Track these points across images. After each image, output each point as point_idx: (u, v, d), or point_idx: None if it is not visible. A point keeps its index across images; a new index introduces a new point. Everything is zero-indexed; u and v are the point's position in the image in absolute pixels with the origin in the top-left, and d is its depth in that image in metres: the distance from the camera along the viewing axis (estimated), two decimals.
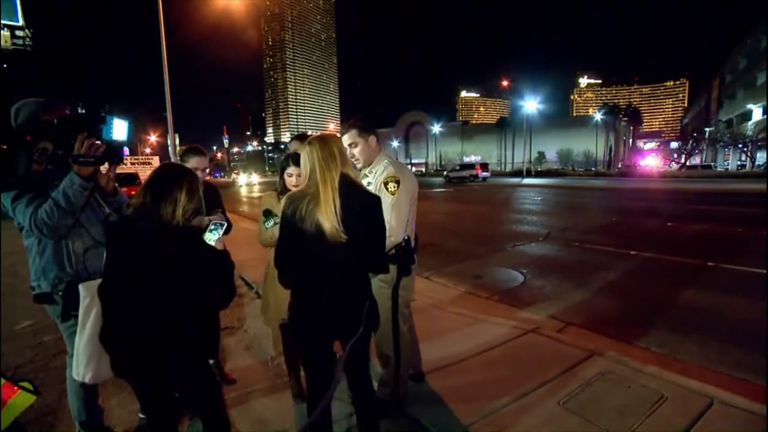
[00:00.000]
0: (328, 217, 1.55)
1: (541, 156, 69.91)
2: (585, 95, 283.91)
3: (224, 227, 1.72)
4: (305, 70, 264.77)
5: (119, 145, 1.96)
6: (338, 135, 1.95)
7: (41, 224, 1.72)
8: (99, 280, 1.60)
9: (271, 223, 2.35)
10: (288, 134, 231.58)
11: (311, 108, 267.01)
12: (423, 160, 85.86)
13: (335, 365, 1.71)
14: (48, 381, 2.84)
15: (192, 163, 2.64)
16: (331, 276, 1.65)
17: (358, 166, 2.28)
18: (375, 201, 1.71)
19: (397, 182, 2.08)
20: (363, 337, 1.72)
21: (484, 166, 39.28)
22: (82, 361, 1.71)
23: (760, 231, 7.92)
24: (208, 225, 1.72)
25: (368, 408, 1.84)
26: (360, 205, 1.64)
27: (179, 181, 1.55)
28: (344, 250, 1.60)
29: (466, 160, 65.84)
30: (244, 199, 24.41)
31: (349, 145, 2.21)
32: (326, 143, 1.67)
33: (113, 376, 1.64)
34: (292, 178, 2.40)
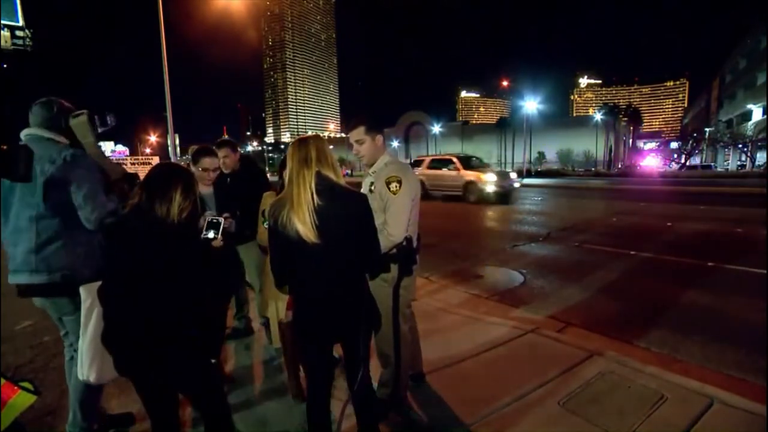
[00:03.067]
0: (300, 220, 1.53)
1: (541, 156, 69.91)
2: (585, 95, 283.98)
3: (220, 225, 1.71)
4: (305, 70, 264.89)
5: None
6: (323, 135, 1.93)
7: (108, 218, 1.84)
8: (99, 282, 1.60)
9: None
10: (288, 134, 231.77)
11: (311, 108, 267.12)
12: None
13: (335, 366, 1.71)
14: (48, 381, 2.84)
15: (204, 164, 2.63)
16: (321, 279, 1.63)
17: (363, 162, 2.27)
18: (359, 201, 1.67)
19: (399, 182, 2.08)
20: (362, 338, 1.72)
21: None
22: (86, 362, 1.72)
23: (760, 231, 7.92)
24: (204, 224, 1.71)
25: (368, 408, 1.83)
26: (340, 206, 1.60)
27: (175, 180, 1.55)
28: (331, 252, 1.58)
29: None
30: None
31: (356, 141, 2.20)
32: (304, 144, 1.64)
33: (117, 376, 1.64)
34: None
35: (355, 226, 1.64)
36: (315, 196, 1.55)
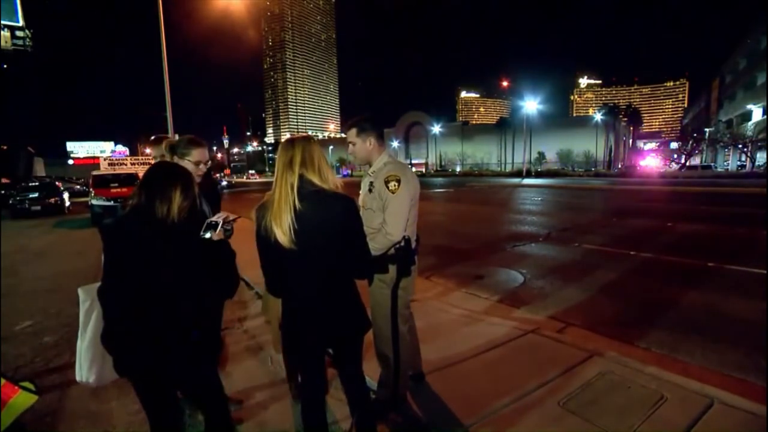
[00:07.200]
0: (278, 225, 1.51)
1: (541, 156, 69.89)
2: (585, 95, 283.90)
3: (218, 226, 1.71)
4: (305, 70, 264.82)
5: None
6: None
7: None
8: (98, 284, 1.60)
9: None
10: (288, 134, 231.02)
11: (311, 108, 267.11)
12: (423, 161, 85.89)
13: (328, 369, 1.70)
14: (48, 381, 2.84)
15: (195, 155, 2.34)
16: (305, 286, 1.61)
17: (356, 164, 2.33)
18: (344, 205, 1.61)
19: (398, 181, 2.08)
20: (352, 342, 1.71)
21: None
22: (85, 364, 1.71)
23: (760, 231, 7.92)
24: (203, 225, 1.72)
25: (363, 409, 1.83)
26: (324, 211, 1.56)
27: (174, 180, 1.55)
28: (313, 258, 1.56)
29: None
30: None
31: (349, 142, 2.25)
32: (290, 147, 1.61)
33: (117, 377, 1.64)
34: None
35: (341, 231, 1.59)
36: (297, 201, 1.52)
